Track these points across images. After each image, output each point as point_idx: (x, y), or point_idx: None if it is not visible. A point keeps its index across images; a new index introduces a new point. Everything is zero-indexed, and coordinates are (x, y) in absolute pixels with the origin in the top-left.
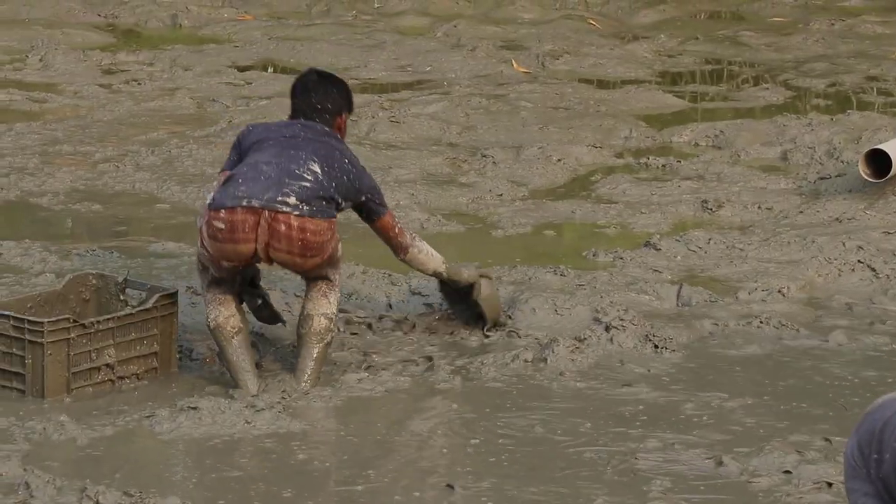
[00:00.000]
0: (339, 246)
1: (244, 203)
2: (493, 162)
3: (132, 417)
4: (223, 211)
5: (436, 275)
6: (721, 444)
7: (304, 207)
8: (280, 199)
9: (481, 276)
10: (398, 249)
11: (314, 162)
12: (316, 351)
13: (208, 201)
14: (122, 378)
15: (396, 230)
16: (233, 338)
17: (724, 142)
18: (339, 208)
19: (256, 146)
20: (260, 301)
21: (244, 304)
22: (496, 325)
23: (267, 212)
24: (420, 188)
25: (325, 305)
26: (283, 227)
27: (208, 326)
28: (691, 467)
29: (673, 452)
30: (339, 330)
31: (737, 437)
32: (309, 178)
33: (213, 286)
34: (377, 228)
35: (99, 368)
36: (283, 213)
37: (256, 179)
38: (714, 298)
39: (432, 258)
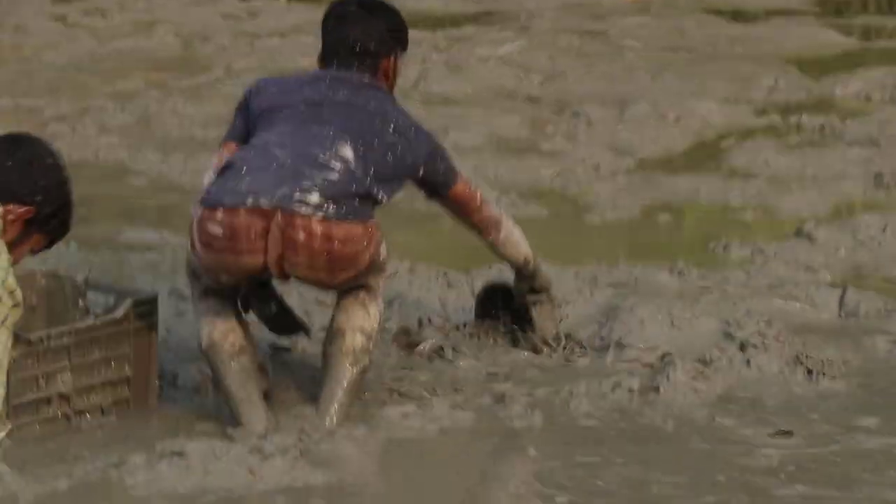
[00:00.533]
0: (383, 248)
1: (249, 202)
2: (588, 122)
3: (95, 466)
4: (220, 211)
5: (525, 264)
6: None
7: (331, 208)
8: (298, 196)
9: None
10: (487, 227)
11: (345, 142)
12: (348, 377)
13: (202, 194)
14: (81, 413)
15: (479, 200)
16: (232, 360)
17: None
18: (378, 203)
19: (267, 116)
20: (274, 308)
21: (252, 313)
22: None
23: (280, 214)
24: (488, 158)
25: (361, 318)
26: (301, 235)
27: (200, 345)
28: None
29: None
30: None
31: None
32: (337, 166)
33: (207, 295)
34: (450, 203)
35: (49, 400)
36: (303, 215)
37: (266, 169)
38: (891, 307)
39: (524, 240)
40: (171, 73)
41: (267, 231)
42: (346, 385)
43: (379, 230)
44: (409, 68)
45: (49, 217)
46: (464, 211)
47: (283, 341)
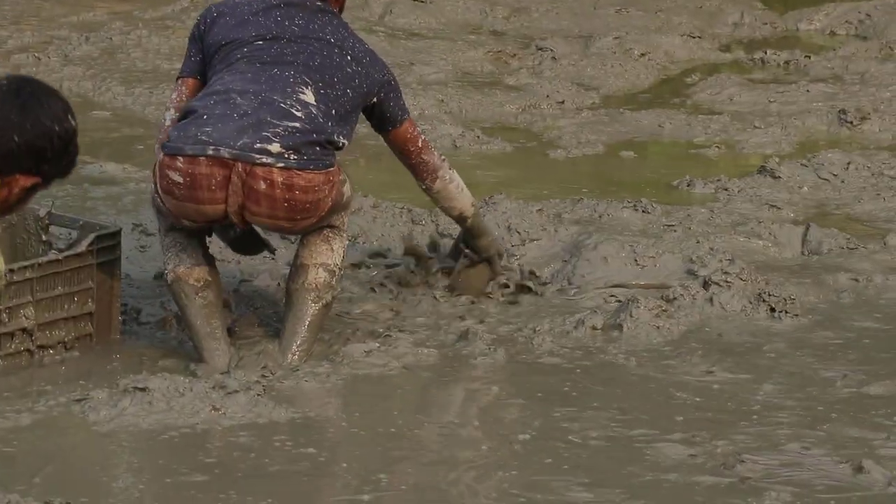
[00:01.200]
0: (346, 187)
1: (210, 151)
2: (553, 57)
3: (57, 401)
4: (181, 159)
5: (460, 220)
6: (861, 443)
7: (292, 157)
8: (258, 146)
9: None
10: (423, 172)
11: (306, 86)
12: (311, 313)
13: (162, 138)
14: (43, 348)
15: (420, 143)
16: (197, 294)
17: (872, 29)
18: (339, 149)
19: (224, 54)
20: (237, 230)
21: (214, 237)
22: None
23: (241, 164)
24: (452, 92)
25: (325, 254)
26: (262, 185)
27: (165, 279)
28: (819, 474)
29: (795, 454)
30: (341, 288)
31: (884, 434)
32: (298, 113)
33: (172, 230)
34: (392, 141)
35: (12, 335)
36: (263, 165)
37: (227, 117)
38: (853, 244)
39: (464, 194)
40: (135, 4)
41: (228, 181)
42: (308, 321)
43: (341, 173)
44: (374, 2)
45: (54, 176)
46: (405, 151)
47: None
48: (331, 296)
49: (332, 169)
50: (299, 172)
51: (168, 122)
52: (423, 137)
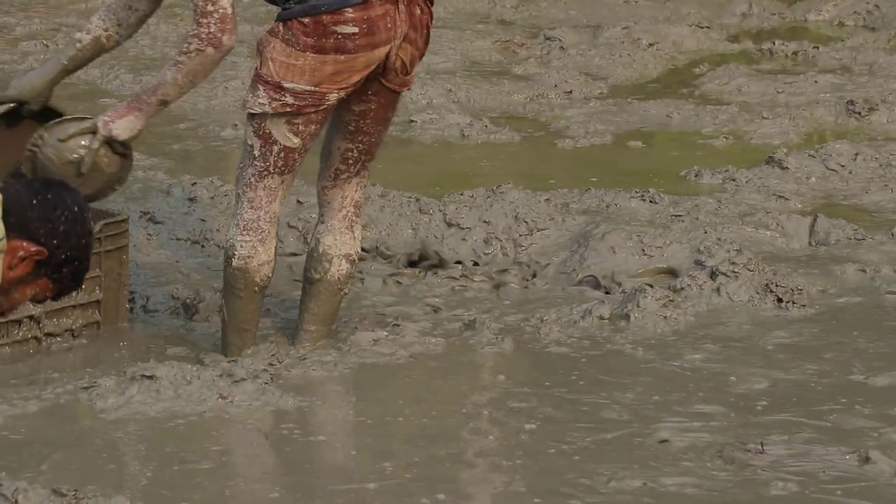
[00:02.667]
0: None
1: None
2: (561, 46)
3: (65, 389)
4: (350, 10)
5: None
6: (868, 433)
7: None
8: None
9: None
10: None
11: None
12: (328, 306)
13: (296, 9)
14: (51, 335)
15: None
16: (256, 291)
17: (881, 19)
18: None
19: None
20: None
21: None
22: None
23: None
24: (460, 82)
25: (349, 243)
26: (418, 11)
27: (229, 260)
28: (825, 464)
29: (801, 445)
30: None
31: (891, 424)
32: None
33: (265, 188)
34: None
35: (19, 322)
36: None
37: None
38: (861, 235)
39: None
40: None
41: (396, 13)
42: (327, 315)
43: None
44: None
45: (60, 265)
46: None
47: None
48: (350, 283)
49: None
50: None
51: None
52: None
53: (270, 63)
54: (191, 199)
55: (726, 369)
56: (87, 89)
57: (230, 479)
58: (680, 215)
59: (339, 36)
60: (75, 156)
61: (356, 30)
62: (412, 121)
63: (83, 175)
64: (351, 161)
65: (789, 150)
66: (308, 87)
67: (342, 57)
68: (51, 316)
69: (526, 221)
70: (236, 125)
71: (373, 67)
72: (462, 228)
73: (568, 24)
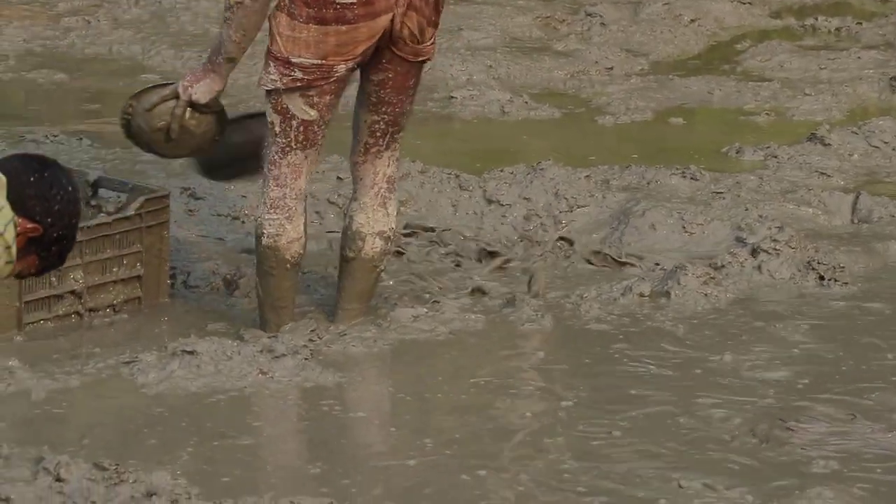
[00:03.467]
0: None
1: None
2: (602, 23)
3: (106, 364)
4: None
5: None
6: None
7: None
8: None
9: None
10: None
11: None
12: (367, 283)
13: None
14: (93, 310)
15: None
16: (288, 268)
17: None
18: None
19: None
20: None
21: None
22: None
23: None
24: (500, 58)
25: (381, 220)
26: None
27: (259, 239)
28: (867, 443)
29: (842, 423)
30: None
31: None
32: None
33: (289, 164)
34: None
35: (62, 297)
36: None
37: None
38: None
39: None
40: None
41: None
42: (364, 293)
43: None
44: None
45: (51, 243)
46: None
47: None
48: (386, 260)
49: None
50: None
51: None
52: None
53: (278, 38)
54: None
55: (767, 347)
56: (129, 65)
57: (270, 454)
58: (721, 192)
59: (338, 6)
60: (162, 122)
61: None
62: (452, 97)
63: (174, 140)
64: (379, 133)
65: (832, 127)
66: (315, 61)
67: (343, 27)
68: (92, 291)
69: (566, 198)
70: None
71: (378, 37)
72: (502, 205)
73: (608, 0)
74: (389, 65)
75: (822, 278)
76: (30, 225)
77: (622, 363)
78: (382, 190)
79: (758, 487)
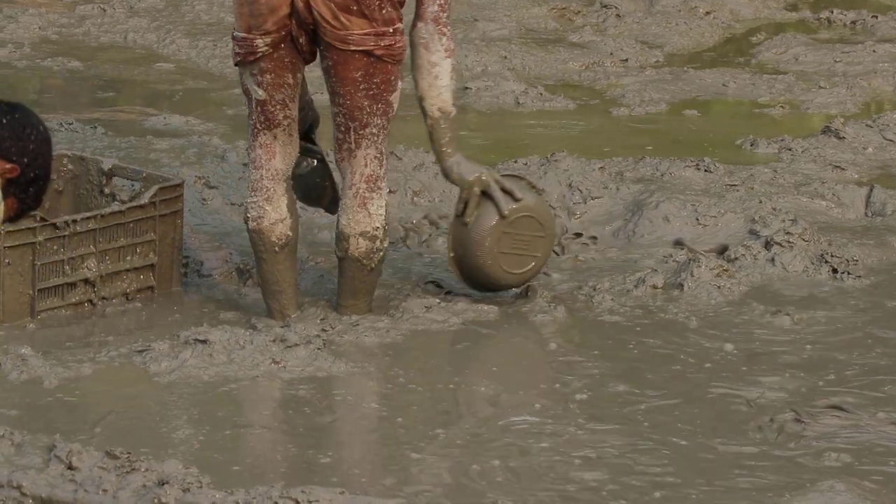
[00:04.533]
0: (397, 91)
1: None
2: (617, 14)
3: (119, 352)
4: None
5: (432, 116)
6: None
7: None
8: None
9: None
10: (423, 14)
11: None
12: (357, 282)
13: None
14: (105, 299)
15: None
16: (277, 251)
17: None
18: None
19: None
20: (312, 163)
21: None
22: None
23: None
24: (515, 49)
25: (363, 221)
26: None
27: (245, 223)
28: (879, 436)
29: (855, 416)
30: (400, 239)
31: None
32: None
33: (261, 145)
34: None
35: (75, 285)
36: None
37: None
38: None
39: (438, 82)
40: None
41: None
42: (358, 289)
43: (402, 40)
44: None
45: (28, 184)
46: None
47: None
48: (377, 258)
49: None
50: None
51: None
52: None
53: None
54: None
55: (780, 340)
56: (144, 53)
57: (281, 443)
58: (735, 185)
59: None
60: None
61: None
62: (467, 88)
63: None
64: (343, 128)
65: (846, 120)
66: (242, 34)
67: (245, 6)
68: (106, 279)
69: (580, 190)
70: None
71: (282, 11)
72: (516, 199)
73: None
74: (327, 52)
75: (835, 271)
76: (7, 166)
77: (635, 355)
78: (361, 190)
79: (770, 481)
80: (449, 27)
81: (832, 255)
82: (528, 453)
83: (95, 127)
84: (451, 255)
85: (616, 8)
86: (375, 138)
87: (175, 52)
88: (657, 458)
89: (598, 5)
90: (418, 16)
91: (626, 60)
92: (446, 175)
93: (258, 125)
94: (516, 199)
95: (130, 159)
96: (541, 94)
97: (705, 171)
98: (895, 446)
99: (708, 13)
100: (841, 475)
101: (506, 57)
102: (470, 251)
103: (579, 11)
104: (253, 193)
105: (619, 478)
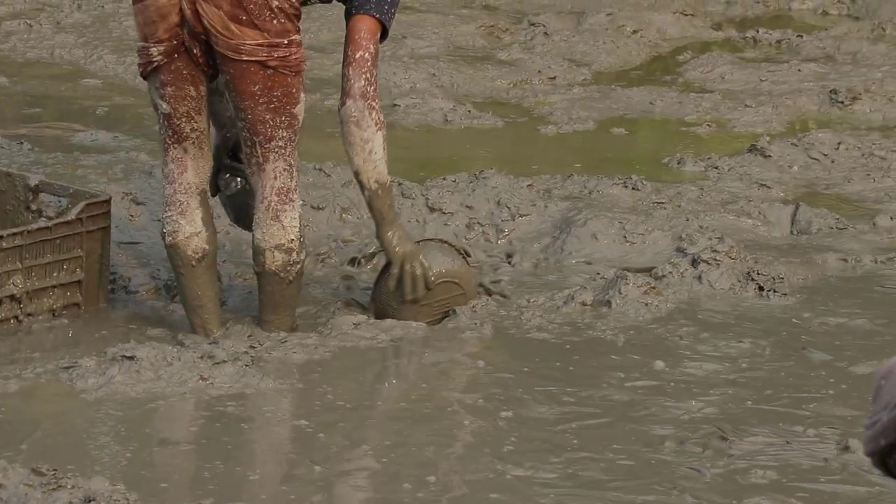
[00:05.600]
0: (301, 96)
1: None
2: (545, 32)
3: (45, 369)
4: None
5: (359, 184)
6: (847, 422)
7: None
8: None
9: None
10: (344, 85)
11: None
12: (276, 296)
13: None
14: (31, 315)
15: (361, 53)
16: (193, 265)
17: (864, 9)
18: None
19: None
20: (242, 183)
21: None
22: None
23: None
24: (444, 66)
25: (277, 234)
26: None
27: (162, 238)
28: (805, 453)
29: (781, 434)
30: (306, 255)
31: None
32: None
33: (172, 160)
34: (350, 29)
35: (0, 301)
36: None
37: None
38: (842, 224)
39: (381, 163)
40: None
41: None
42: (278, 301)
43: (298, 52)
44: None
45: None
46: (346, 48)
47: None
48: (295, 271)
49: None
50: None
51: None
52: (371, 54)
53: None
54: None
55: (707, 357)
56: (70, 69)
57: (210, 461)
58: (662, 202)
59: None
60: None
61: None
62: (395, 105)
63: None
64: (248, 142)
65: (772, 139)
66: (140, 43)
67: (138, 5)
68: (32, 296)
69: (508, 207)
70: None
71: (171, 19)
72: (444, 213)
73: (552, 9)
74: (223, 65)
75: (761, 289)
76: None
77: (563, 373)
78: (273, 203)
79: (697, 498)
80: (377, 100)
81: (758, 273)
82: (457, 472)
83: (22, 143)
84: (372, 302)
85: (544, 26)
86: (283, 150)
87: (102, 68)
88: (583, 477)
89: (527, 23)
90: (346, 92)
91: (554, 78)
92: (380, 241)
93: (167, 139)
94: (428, 283)
95: (57, 175)
96: (469, 111)
97: (633, 188)
98: (821, 464)
99: (635, 32)
100: (767, 492)
101: (434, 74)
102: (390, 309)
103: (507, 29)
104: (168, 208)
105: (547, 495)
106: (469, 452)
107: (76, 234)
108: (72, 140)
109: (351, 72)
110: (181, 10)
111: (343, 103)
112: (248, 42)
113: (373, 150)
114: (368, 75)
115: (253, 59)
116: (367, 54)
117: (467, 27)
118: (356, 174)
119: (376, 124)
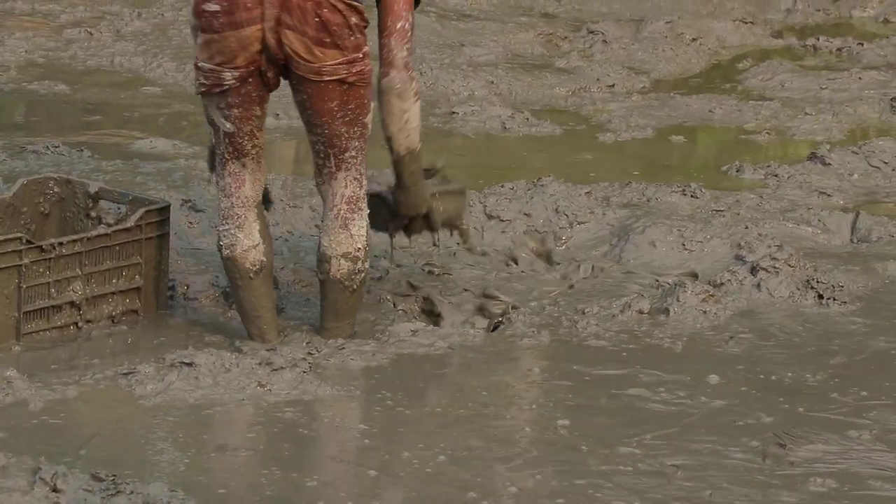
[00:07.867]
0: (370, 112)
1: None
2: (604, 40)
3: (104, 375)
4: None
5: (390, 150)
6: None
7: None
8: None
9: (443, 192)
10: (383, 57)
11: None
12: (341, 302)
13: None
14: (91, 322)
15: (409, 27)
16: (252, 277)
17: None
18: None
19: None
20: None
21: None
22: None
23: None
24: (502, 74)
25: (345, 242)
26: None
27: (219, 250)
28: (865, 462)
29: (843, 442)
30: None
31: None
32: None
33: (229, 174)
34: (381, 6)
35: (60, 308)
36: None
37: None
38: None
39: (416, 125)
40: None
41: None
42: (340, 311)
43: (369, 64)
44: None
45: None
46: (389, 17)
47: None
48: (359, 280)
49: (359, 6)
50: None
51: None
52: (410, 24)
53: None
54: None
55: (766, 366)
56: (130, 77)
57: (267, 468)
58: (721, 210)
59: (207, 14)
60: None
61: (217, 8)
62: (454, 112)
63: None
64: (322, 154)
65: (832, 147)
66: (208, 65)
67: (215, 36)
68: (91, 302)
69: (566, 214)
70: (278, 115)
71: (252, 48)
72: (502, 220)
73: (611, 17)
74: (300, 85)
75: (820, 297)
76: None
77: (619, 380)
78: (343, 211)
79: None
80: (414, 69)
81: (818, 281)
82: (515, 481)
83: (82, 150)
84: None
85: (603, 34)
86: (354, 160)
87: (161, 75)
88: (645, 484)
89: (585, 31)
90: (388, 63)
91: (613, 86)
92: (399, 199)
93: (226, 155)
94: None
95: (117, 182)
96: (527, 119)
97: (691, 196)
98: (882, 472)
99: (694, 39)
100: (827, 500)
101: (492, 82)
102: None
103: (566, 37)
104: (224, 221)
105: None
106: (526, 461)
107: (135, 241)
108: (131, 147)
109: (393, 42)
110: (263, 39)
111: (386, 73)
112: (329, 63)
113: (409, 119)
114: (410, 45)
115: (333, 78)
116: (406, 24)
117: (526, 35)
118: (388, 139)
119: (415, 95)
